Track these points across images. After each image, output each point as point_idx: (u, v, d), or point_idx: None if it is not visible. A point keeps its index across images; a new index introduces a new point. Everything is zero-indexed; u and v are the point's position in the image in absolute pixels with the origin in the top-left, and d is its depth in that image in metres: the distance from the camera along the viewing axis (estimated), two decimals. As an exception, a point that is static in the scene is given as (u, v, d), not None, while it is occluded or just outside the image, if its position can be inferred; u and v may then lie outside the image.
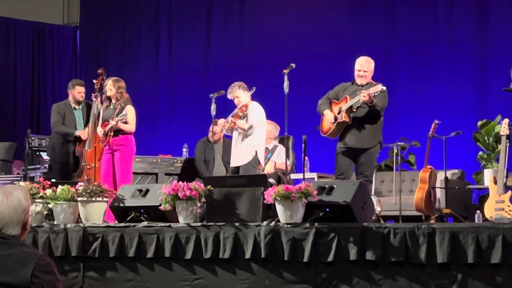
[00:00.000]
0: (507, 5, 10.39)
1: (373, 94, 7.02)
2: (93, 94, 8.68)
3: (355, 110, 7.23)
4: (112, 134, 7.99)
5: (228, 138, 9.20)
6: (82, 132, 8.65)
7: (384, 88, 7.07)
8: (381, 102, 7.20)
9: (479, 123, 9.55)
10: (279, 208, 5.69)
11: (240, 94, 8.19)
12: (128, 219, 6.39)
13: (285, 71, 7.25)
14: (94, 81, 8.79)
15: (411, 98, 10.89)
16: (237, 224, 5.82)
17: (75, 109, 8.91)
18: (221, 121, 8.26)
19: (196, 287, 5.91)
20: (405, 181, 9.18)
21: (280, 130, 9.17)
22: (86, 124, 8.80)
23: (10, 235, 2.96)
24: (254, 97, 8.32)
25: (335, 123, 7.28)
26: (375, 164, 7.43)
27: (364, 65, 7.39)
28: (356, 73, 7.40)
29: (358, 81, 7.39)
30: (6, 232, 2.96)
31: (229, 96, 8.24)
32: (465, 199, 8.83)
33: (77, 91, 8.92)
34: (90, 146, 8.48)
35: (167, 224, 6.11)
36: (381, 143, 7.37)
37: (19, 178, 9.62)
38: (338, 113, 7.27)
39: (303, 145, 7.14)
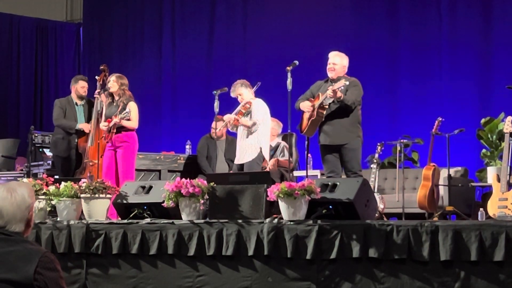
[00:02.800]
0: (510, 2, 10.36)
1: (338, 89, 6.99)
2: (96, 91, 8.68)
3: (327, 106, 7.19)
4: (114, 131, 7.98)
5: (231, 135, 9.20)
6: (84, 125, 8.64)
7: (347, 82, 7.00)
8: (353, 96, 7.13)
9: (483, 120, 9.53)
10: (282, 205, 5.69)
11: (243, 91, 8.18)
12: (131, 216, 6.39)
13: (288, 68, 7.24)
14: (97, 77, 8.79)
15: (414, 96, 10.87)
16: (240, 221, 5.82)
17: (77, 105, 8.91)
18: (227, 116, 8.24)
19: (198, 284, 5.91)
20: (408, 178, 9.18)
21: (283, 127, 9.16)
22: (87, 121, 8.80)
23: (14, 231, 2.96)
24: (257, 94, 8.31)
25: (309, 121, 7.26)
26: (360, 157, 7.34)
27: (334, 58, 7.37)
28: (327, 66, 7.39)
29: (329, 74, 7.37)
30: (9, 228, 2.96)
31: (232, 94, 8.22)
32: (468, 196, 8.82)
33: (80, 86, 8.92)
34: (92, 143, 8.49)
35: (170, 221, 6.11)
36: (360, 137, 7.28)
37: (22, 175, 9.62)
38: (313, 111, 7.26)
39: (306, 142, 7.13)
